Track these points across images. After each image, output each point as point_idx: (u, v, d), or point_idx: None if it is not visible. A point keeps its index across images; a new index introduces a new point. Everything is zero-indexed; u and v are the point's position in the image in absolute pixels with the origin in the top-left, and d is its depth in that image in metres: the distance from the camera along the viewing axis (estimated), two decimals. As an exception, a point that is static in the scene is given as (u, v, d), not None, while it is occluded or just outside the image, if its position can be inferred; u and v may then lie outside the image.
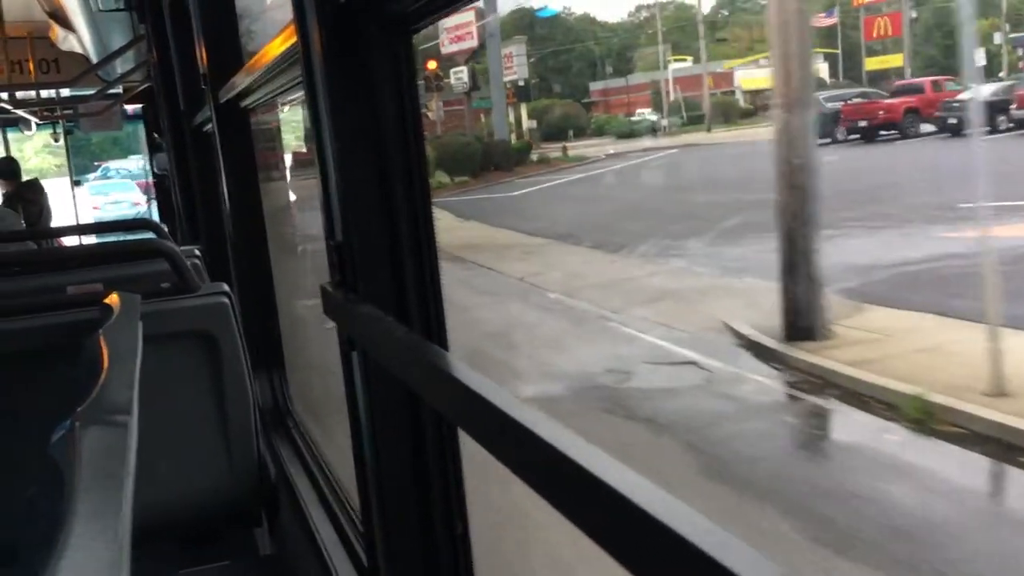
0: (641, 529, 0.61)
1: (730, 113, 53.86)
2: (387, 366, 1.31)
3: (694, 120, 53.78)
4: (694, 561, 0.56)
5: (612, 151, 43.07)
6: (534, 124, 49.60)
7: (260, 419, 3.03)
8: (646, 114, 57.63)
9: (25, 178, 9.23)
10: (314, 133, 1.50)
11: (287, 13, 1.69)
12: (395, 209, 1.39)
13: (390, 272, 1.38)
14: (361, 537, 2.03)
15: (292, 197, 4.78)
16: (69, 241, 7.54)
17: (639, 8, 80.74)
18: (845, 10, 63.13)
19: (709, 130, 49.76)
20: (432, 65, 38.34)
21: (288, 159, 4.77)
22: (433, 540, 1.45)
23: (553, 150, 41.66)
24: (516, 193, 30.51)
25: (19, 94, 8.83)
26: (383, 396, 1.43)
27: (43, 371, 2.45)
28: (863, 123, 32.44)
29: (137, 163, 36.58)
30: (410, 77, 1.40)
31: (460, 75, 42.20)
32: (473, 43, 40.62)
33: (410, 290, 1.38)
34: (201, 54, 3.38)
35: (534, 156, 39.22)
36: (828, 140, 32.63)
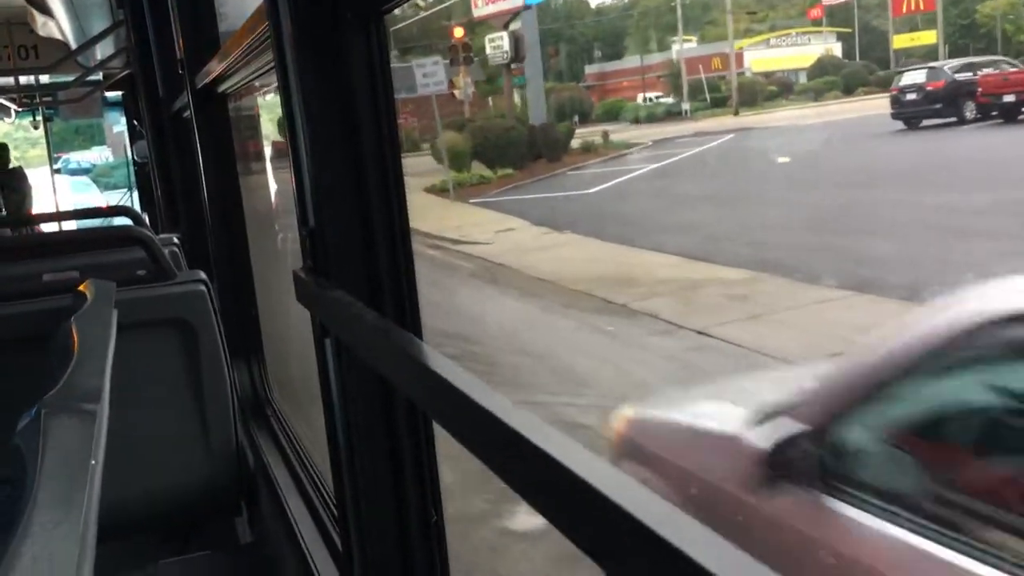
0: (618, 526, 0.60)
1: (755, 95, 49.82)
2: (359, 353, 1.30)
3: (716, 103, 50.65)
4: (674, 560, 0.55)
5: (657, 137, 36.63)
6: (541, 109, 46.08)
7: (239, 407, 3.01)
8: (655, 98, 54.95)
9: None
10: (286, 118, 1.48)
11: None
12: (368, 195, 1.38)
13: (362, 258, 1.37)
14: (336, 525, 2.02)
15: (274, 186, 4.75)
16: (49, 228, 7.48)
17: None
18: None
19: (737, 113, 46.16)
20: (459, 33, 32.01)
21: (268, 149, 4.74)
22: (407, 528, 1.44)
23: (589, 135, 35.25)
24: (593, 190, 23.71)
25: (-2, 80, 8.77)
26: (356, 383, 1.42)
27: (17, 359, 2.43)
28: (1009, 98, 25.84)
29: (101, 154, 33.99)
30: (383, 61, 1.38)
31: (498, 43, 32.84)
32: (517, 2, 32.07)
33: (383, 276, 1.36)
34: (178, 39, 3.35)
35: (574, 143, 32.51)
36: (953, 119, 26.44)
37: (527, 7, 33.14)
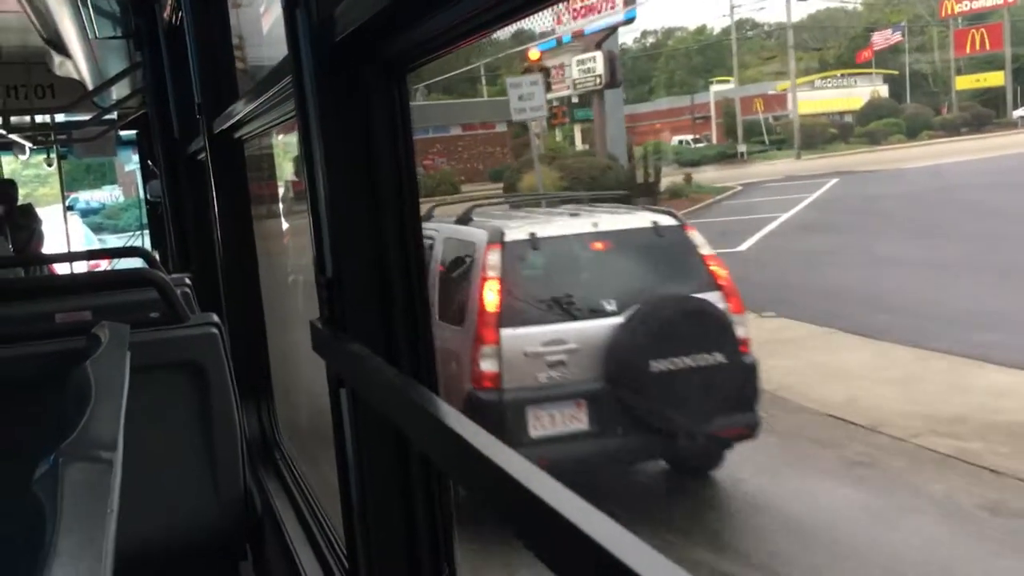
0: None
1: (816, 137, 47.70)
2: (375, 406, 1.31)
3: (773, 145, 49.26)
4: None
5: (743, 180, 33.27)
6: (588, 147, 39.76)
7: (247, 450, 3.00)
8: (690, 140, 52.62)
9: None
10: (306, 169, 1.50)
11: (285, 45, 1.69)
12: (386, 248, 1.39)
13: (379, 311, 1.38)
14: (346, 574, 2.01)
15: (286, 224, 4.78)
16: (60, 267, 7.53)
17: (644, 34, 79.98)
18: (914, 28, 59.31)
19: (799, 156, 44.23)
20: (535, 55, 27.69)
21: (281, 189, 4.77)
22: (419, 581, 1.43)
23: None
24: (742, 248, 18.15)
25: (13, 118, 8.85)
26: (371, 435, 1.42)
27: (30, 401, 2.44)
28: None
29: (111, 194, 32.72)
30: (404, 116, 1.40)
31: (589, 65, 27.37)
32: (617, 17, 26.11)
33: (399, 330, 1.37)
34: (196, 83, 3.39)
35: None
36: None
37: (628, 20, 27.34)
